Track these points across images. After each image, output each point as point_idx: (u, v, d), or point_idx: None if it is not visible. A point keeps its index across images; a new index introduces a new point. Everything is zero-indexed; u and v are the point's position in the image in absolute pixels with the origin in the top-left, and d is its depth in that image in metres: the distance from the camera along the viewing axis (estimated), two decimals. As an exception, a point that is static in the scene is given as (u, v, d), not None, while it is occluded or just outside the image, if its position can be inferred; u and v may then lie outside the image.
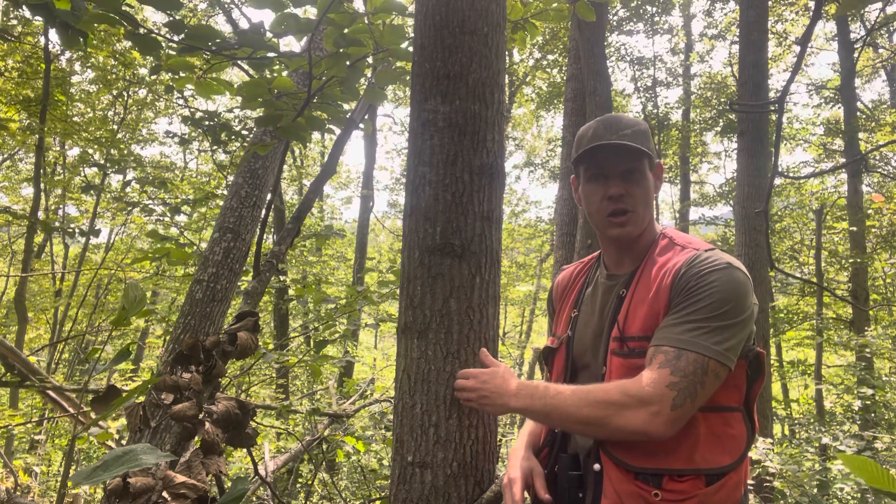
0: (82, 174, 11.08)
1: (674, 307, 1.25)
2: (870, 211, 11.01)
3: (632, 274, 1.40)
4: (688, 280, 1.25)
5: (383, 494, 4.47)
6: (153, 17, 12.14)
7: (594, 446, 1.31)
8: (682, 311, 1.23)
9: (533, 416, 1.32)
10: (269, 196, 3.79)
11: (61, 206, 11.56)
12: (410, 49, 1.86)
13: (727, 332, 1.20)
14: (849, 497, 4.98)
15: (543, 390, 1.27)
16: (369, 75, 2.29)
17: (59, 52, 8.20)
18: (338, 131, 2.39)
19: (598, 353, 1.39)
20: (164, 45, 1.86)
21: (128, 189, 9.78)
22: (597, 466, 1.29)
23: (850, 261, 9.86)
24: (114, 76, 9.67)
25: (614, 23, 13.37)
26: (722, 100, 13.89)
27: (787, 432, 10.88)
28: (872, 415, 7.04)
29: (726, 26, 14.24)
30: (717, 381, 1.20)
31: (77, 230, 4.34)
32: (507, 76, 7.57)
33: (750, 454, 1.35)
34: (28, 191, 14.03)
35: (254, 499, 3.33)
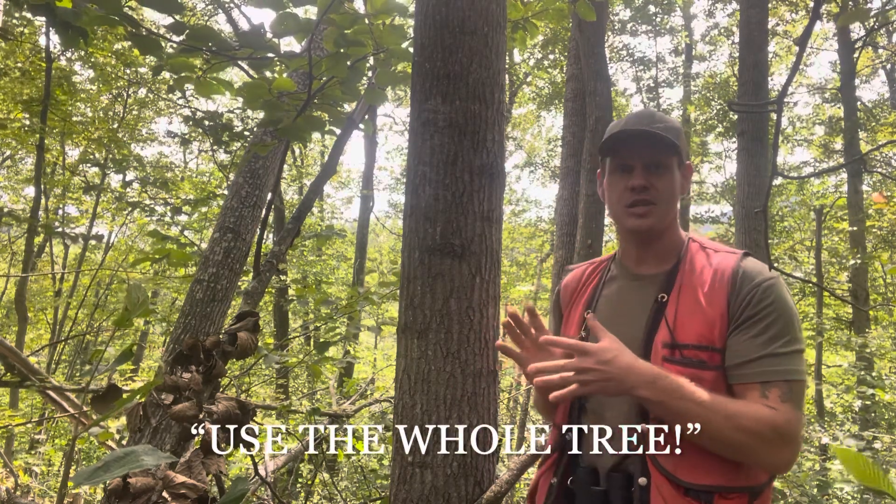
0: (82, 174, 11.08)
1: (749, 321, 1.20)
2: (870, 211, 11.01)
3: (669, 276, 1.32)
4: (752, 290, 1.21)
5: (383, 494, 4.47)
6: (152, 17, 12.13)
7: (640, 458, 1.21)
8: (769, 332, 1.19)
9: (663, 413, 1.15)
10: (269, 196, 3.79)
11: (61, 207, 11.56)
12: (411, 49, 1.86)
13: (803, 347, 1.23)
14: (849, 497, 4.98)
15: (688, 391, 1.13)
16: (370, 76, 2.29)
17: (59, 51, 8.20)
18: (338, 131, 2.39)
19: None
20: (164, 45, 1.86)
21: (128, 189, 9.78)
22: (643, 481, 1.19)
23: (851, 263, 9.87)
24: (113, 76, 9.67)
25: (618, 25, 13.36)
26: (722, 99, 13.89)
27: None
28: (872, 415, 7.04)
29: (727, 27, 14.25)
30: None
31: (80, 236, 4.34)
32: (507, 76, 7.55)
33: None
34: (29, 191, 14.04)
35: (254, 499, 3.33)
